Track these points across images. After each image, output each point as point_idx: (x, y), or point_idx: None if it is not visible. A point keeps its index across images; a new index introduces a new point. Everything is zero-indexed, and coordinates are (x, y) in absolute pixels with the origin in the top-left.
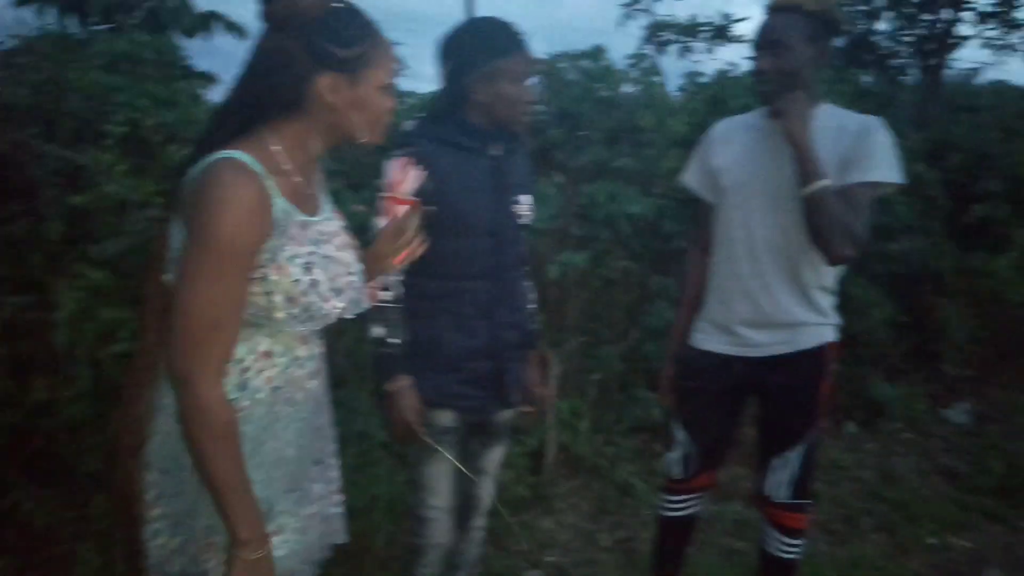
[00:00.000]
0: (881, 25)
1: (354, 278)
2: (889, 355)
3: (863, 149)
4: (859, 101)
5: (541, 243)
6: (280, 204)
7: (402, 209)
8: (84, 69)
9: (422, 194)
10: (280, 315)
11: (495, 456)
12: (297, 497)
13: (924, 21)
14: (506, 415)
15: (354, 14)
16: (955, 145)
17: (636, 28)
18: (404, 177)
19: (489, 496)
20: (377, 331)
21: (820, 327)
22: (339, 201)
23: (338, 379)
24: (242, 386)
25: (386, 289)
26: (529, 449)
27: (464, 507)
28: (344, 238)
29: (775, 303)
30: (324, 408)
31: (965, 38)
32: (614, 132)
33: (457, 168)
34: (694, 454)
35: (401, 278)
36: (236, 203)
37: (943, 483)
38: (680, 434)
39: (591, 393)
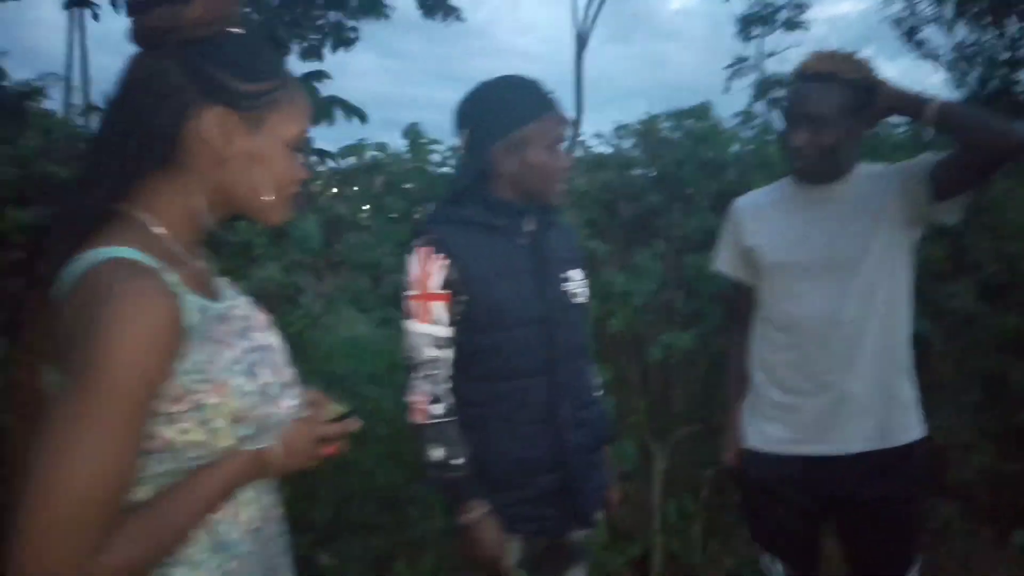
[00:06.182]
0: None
1: (288, 365)
2: None
3: (904, 164)
4: None
5: (641, 321)
6: (192, 303)
7: (437, 305)
8: None
9: (451, 285)
10: (227, 443)
11: None
12: None
13: None
14: (582, 533)
15: (261, 44)
16: None
17: (745, 86)
18: (431, 269)
19: None
20: (436, 453)
21: (910, 417)
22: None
23: (413, 473)
24: (218, 547)
25: (436, 401)
26: (631, 557)
27: None
28: (261, 315)
29: (858, 385)
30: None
31: None
32: (722, 196)
33: (489, 252)
34: None
35: (449, 385)
36: (139, 322)
37: None
38: (776, 567)
39: (704, 491)
